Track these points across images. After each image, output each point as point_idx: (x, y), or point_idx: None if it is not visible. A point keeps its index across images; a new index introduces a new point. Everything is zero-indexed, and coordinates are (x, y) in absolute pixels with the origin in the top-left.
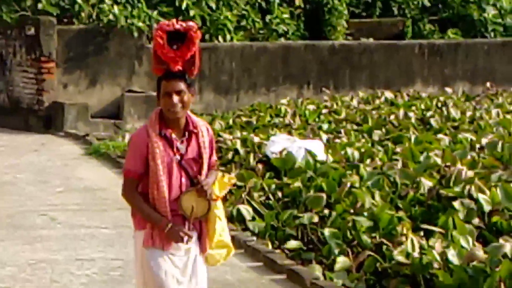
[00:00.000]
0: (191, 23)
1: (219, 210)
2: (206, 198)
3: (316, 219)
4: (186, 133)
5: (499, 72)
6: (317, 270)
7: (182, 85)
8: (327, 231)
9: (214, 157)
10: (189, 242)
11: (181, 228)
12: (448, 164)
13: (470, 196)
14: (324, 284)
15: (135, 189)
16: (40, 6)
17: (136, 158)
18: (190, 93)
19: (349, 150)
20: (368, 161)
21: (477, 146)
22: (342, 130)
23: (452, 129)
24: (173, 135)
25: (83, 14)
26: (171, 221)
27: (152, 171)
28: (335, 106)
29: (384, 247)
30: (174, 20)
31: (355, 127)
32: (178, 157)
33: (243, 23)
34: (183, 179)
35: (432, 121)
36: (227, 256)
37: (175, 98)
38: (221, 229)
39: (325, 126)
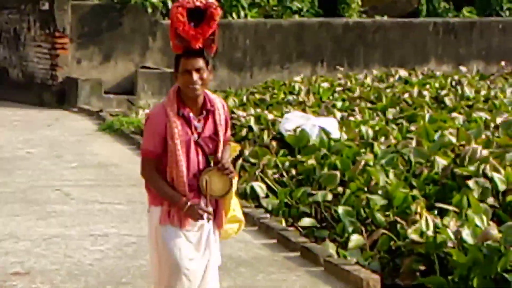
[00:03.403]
0: (210, 0)
1: (233, 187)
2: (227, 176)
3: (330, 197)
4: (204, 112)
5: None
6: (331, 248)
7: (201, 63)
8: (341, 209)
9: (229, 133)
10: (209, 220)
11: (200, 206)
12: (462, 143)
13: (485, 175)
14: (338, 262)
15: (154, 168)
16: None
17: (154, 138)
18: (208, 71)
19: (363, 128)
20: (382, 139)
21: (492, 125)
22: (356, 108)
23: (466, 108)
24: (191, 114)
25: None
26: (189, 199)
27: (171, 150)
28: (349, 84)
29: (398, 225)
30: None
31: (369, 105)
32: (195, 136)
33: (257, 0)
34: (200, 157)
35: (446, 99)
36: (239, 230)
37: (195, 76)
38: (235, 204)
39: (339, 104)
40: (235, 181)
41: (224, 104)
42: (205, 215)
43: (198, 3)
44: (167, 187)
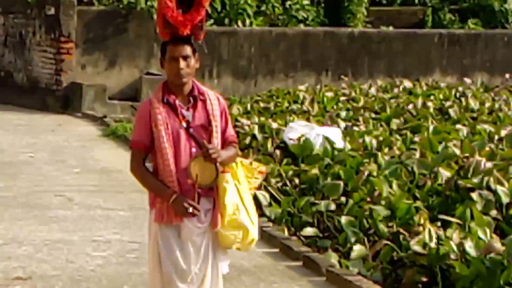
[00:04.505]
0: None
1: (229, 184)
2: (213, 163)
3: (333, 206)
4: (191, 99)
5: None
6: (333, 258)
7: (188, 50)
8: (343, 219)
9: (231, 132)
10: (195, 215)
11: (186, 199)
12: (466, 155)
13: (489, 188)
14: (340, 272)
15: (142, 162)
16: None
17: (140, 128)
18: (195, 59)
19: (367, 139)
20: (386, 150)
21: (496, 137)
22: (360, 118)
23: (470, 120)
24: (177, 102)
25: None
26: (177, 192)
27: (156, 138)
28: (353, 94)
29: (401, 236)
30: None
31: (373, 115)
32: (184, 124)
33: (263, 8)
34: (193, 149)
35: (450, 111)
36: (245, 240)
37: (182, 63)
38: (235, 208)
39: (343, 114)
40: (244, 186)
41: (220, 98)
42: (190, 209)
43: None
44: (154, 180)
